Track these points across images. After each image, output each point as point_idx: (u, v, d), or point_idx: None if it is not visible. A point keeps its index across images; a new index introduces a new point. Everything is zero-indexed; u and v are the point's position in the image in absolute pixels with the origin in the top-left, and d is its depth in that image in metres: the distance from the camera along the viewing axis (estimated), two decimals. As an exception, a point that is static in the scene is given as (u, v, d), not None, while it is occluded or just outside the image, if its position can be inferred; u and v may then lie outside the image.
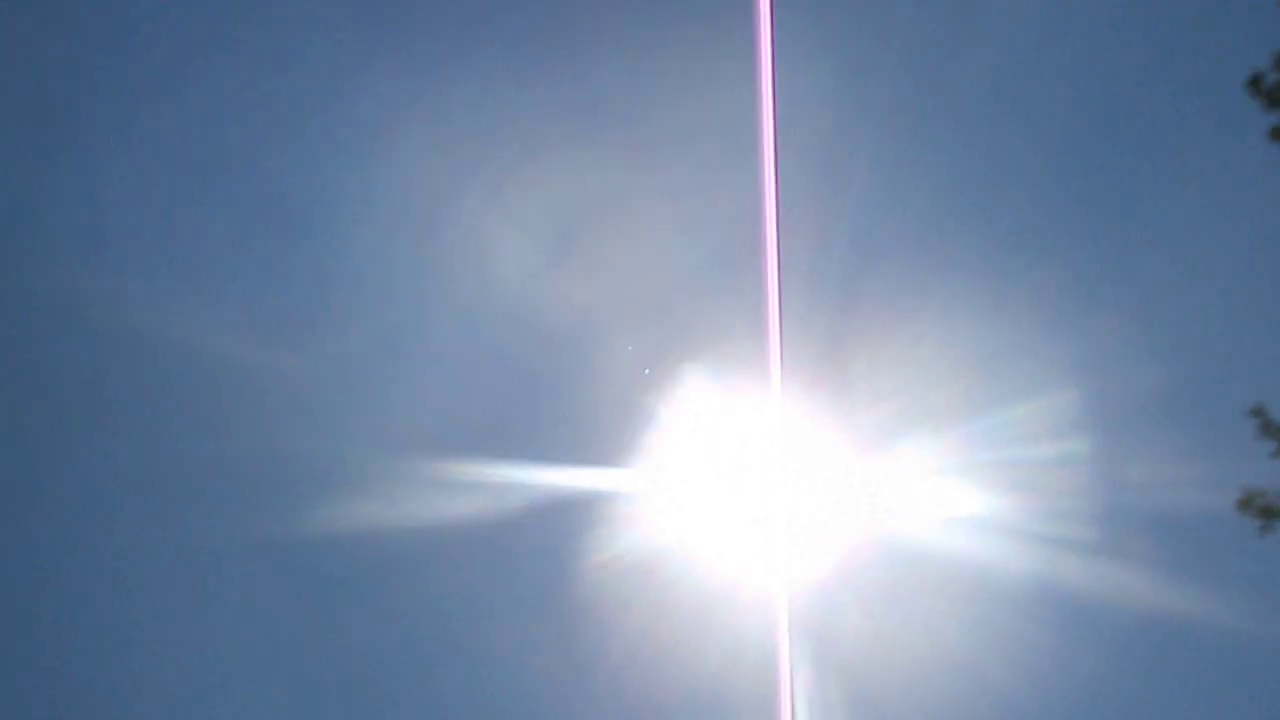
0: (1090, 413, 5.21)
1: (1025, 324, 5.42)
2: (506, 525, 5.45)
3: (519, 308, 5.55)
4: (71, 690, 5.46)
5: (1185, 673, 5.10)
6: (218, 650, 5.41)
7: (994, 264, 5.54)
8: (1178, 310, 5.41)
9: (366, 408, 5.43)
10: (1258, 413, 6.36)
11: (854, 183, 5.18)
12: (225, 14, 5.67)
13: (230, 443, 5.31)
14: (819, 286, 5.23)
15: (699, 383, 5.45)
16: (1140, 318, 5.48)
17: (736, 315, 5.38)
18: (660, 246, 5.50)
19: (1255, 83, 6.57)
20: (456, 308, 5.54)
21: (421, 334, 5.54)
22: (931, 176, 5.39)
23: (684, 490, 5.52)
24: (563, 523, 5.41)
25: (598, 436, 5.50)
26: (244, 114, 5.60)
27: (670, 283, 5.48)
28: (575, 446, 5.45)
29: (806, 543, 5.49)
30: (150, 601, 5.53)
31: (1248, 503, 6.39)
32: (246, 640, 5.38)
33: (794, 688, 5.11)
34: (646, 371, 5.09)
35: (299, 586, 5.47)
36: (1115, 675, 5.08)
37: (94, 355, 5.60)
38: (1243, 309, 5.61)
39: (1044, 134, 5.52)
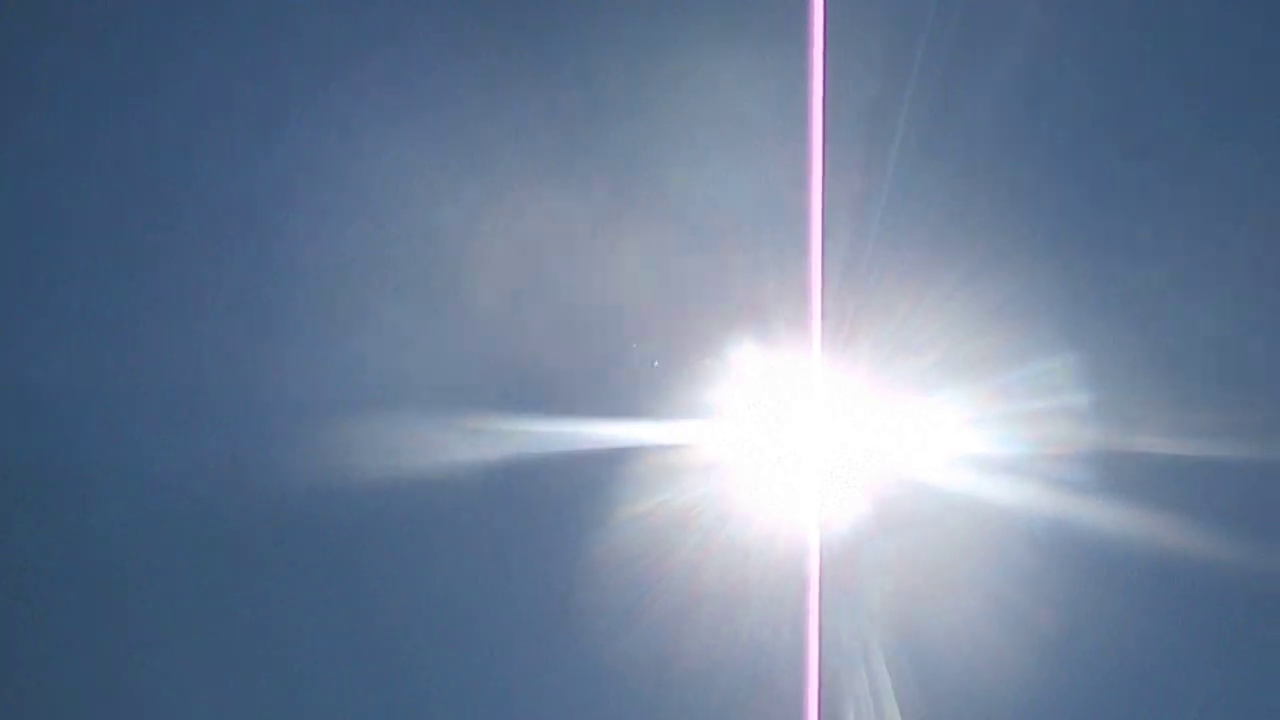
0: (1130, 365, 5.19)
1: (1063, 279, 5.36)
2: (546, 474, 5.45)
3: (568, 267, 5.59)
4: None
5: (1197, 612, 5.13)
6: (240, 600, 5.49)
7: (1031, 222, 5.49)
8: (1222, 267, 5.36)
9: (414, 361, 5.52)
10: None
11: (896, 143, 5.12)
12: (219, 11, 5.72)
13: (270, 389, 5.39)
14: (859, 245, 5.19)
15: (739, 338, 5.43)
16: (1185, 274, 5.42)
17: (778, 273, 5.36)
18: (705, 207, 5.48)
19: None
20: (515, 267, 5.62)
21: (472, 295, 5.64)
22: (972, 140, 5.33)
23: (723, 442, 5.51)
24: (602, 473, 5.40)
25: (638, 390, 5.48)
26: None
27: (713, 241, 5.46)
28: (616, 399, 5.45)
29: (842, 491, 5.46)
30: (165, 545, 5.60)
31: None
32: (273, 592, 5.49)
33: (824, 633, 5.09)
34: (655, 364, 5.13)
35: (327, 539, 5.53)
36: (1148, 618, 5.10)
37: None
38: None
39: (1088, 99, 5.47)
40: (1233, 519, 5.36)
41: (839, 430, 5.38)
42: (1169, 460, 5.39)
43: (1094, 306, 5.55)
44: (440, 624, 5.63)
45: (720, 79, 5.65)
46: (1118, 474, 5.38)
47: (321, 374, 5.65)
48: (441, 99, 5.80)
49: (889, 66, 5.42)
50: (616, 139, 5.67)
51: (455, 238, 5.73)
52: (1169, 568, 5.45)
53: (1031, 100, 5.60)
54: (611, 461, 5.41)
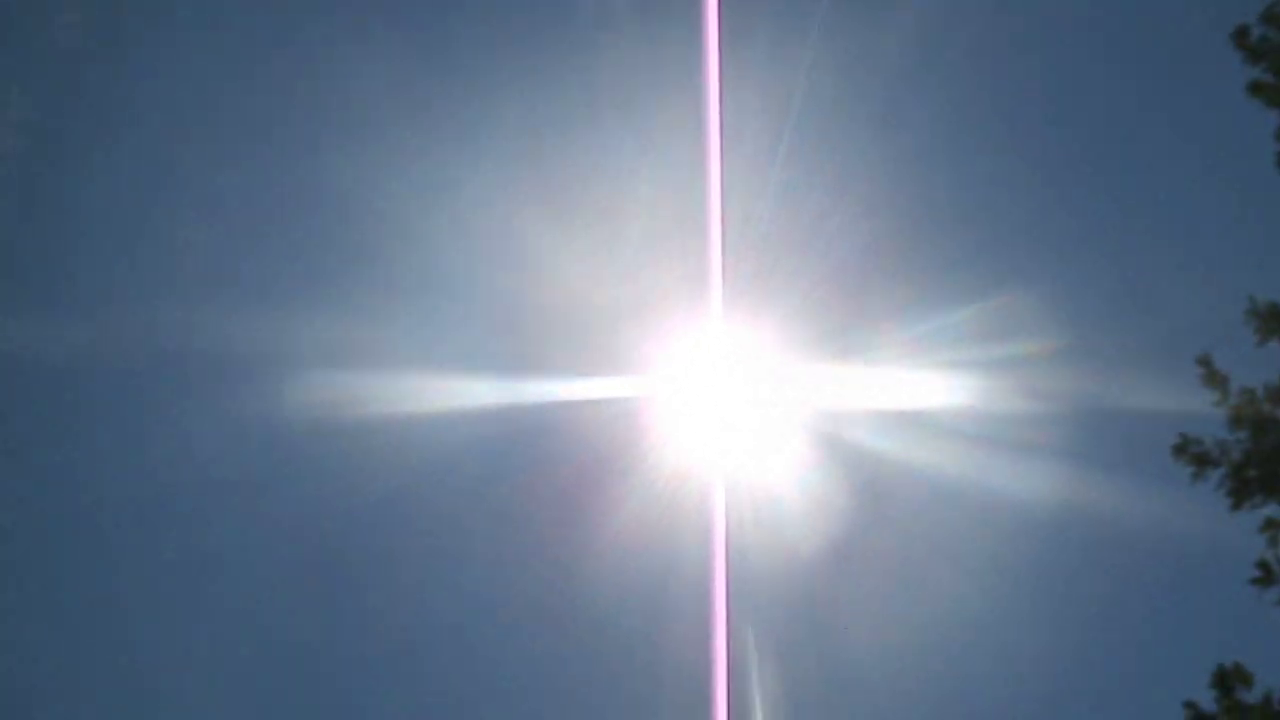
0: (1033, 325, 5.35)
1: (949, 247, 5.50)
2: (485, 427, 5.58)
3: (501, 250, 5.74)
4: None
5: (1099, 563, 5.31)
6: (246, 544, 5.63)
7: (919, 194, 5.62)
8: (1139, 251, 5.48)
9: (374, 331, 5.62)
10: (1203, 362, 6.48)
11: (791, 119, 5.21)
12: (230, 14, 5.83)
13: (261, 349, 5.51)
14: (756, 218, 5.29)
15: (652, 301, 5.52)
16: (1098, 256, 5.54)
17: (684, 240, 5.45)
18: (618, 188, 5.61)
19: (1241, 35, 6.61)
20: (457, 252, 5.75)
21: (422, 274, 5.76)
22: (860, 117, 5.44)
23: (640, 397, 5.63)
24: (528, 425, 5.53)
25: (560, 349, 5.61)
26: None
27: (623, 219, 5.57)
28: (542, 359, 5.57)
29: (746, 441, 5.56)
30: (172, 502, 5.73)
31: (1181, 449, 6.52)
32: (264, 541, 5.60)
33: (730, 584, 5.20)
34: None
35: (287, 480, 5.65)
36: (1049, 567, 5.27)
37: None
38: (1208, 259, 5.75)
39: (1028, 78, 5.57)
40: (1107, 466, 5.58)
41: (742, 386, 5.50)
42: (1049, 413, 5.58)
43: (980, 270, 5.73)
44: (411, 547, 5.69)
45: (623, 64, 5.75)
46: (1008, 427, 5.55)
47: (324, 350, 5.70)
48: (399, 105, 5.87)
49: (783, 51, 5.54)
50: (527, 127, 5.75)
51: (413, 230, 5.80)
52: (1062, 515, 5.64)
53: (916, 82, 5.75)
54: (539, 413, 5.53)
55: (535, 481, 5.70)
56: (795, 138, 5.20)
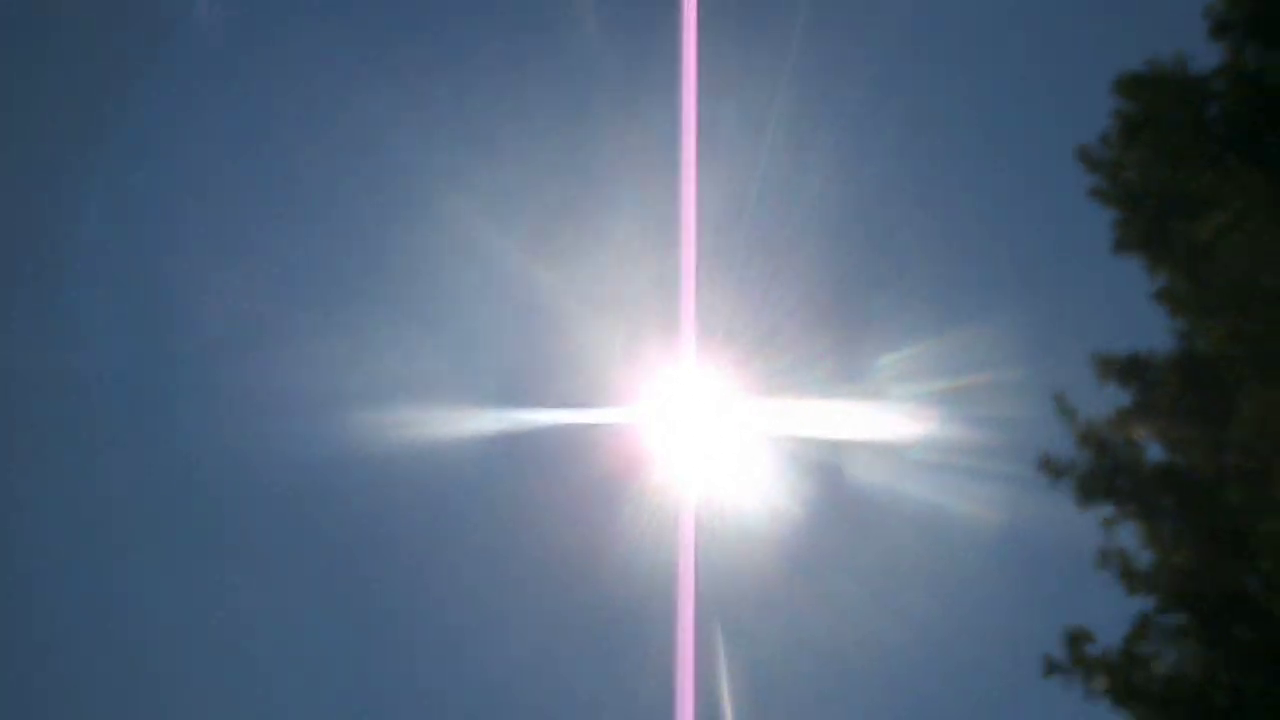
0: (948, 364, 6.19)
1: (916, 279, 6.21)
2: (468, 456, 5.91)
3: (475, 270, 6.14)
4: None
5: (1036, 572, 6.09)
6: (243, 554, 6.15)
7: (890, 224, 6.28)
8: (1007, 304, 6.40)
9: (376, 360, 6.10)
10: (1058, 398, 8.43)
11: (764, 150, 5.71)
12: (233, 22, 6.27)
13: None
14: (730, 250, 5.72)
15: (621, 331, 5.96)
16: (981, 307, 6.48)
17: (653, 272, 5.84)
18: (587, 220, 6.03)
19: (1084, 152, 8.64)
20: (433, 273, 6.18)
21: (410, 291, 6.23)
22: (835, 146, 6.01)
23: (610, 429, 5.80)
24: (507, 456, 5.85)
25: (537, 382, 5.95)
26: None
27: (597, 251, 5.99)
28: (519, 391, 5.89)
29: (716, 463, 6.16)
30: (179, 524, 6.26)
31: (1043, 464, 8.44)
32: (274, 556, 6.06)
33: (698, 592, 5.43)
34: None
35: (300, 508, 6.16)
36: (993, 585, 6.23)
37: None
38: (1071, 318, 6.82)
39: (944, 106, 6.34)
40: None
41: (713, 413, 5.89)
42: (992, 440, 6.56)
43: (942, 302, 6.53)
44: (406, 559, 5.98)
45: (596, 95, 6.24)
46: (961, 453, 6.54)
47: (324, 367, 6.09)
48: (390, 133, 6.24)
49: (757, 79, 6.09)
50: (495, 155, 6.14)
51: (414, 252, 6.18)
52: (976, 522, 6.54)
53: (889, 109, 6.44)
54: (523, 440, 5.72)
55: (518, 502, 6.06)
56: (767, 179, 5.65)
